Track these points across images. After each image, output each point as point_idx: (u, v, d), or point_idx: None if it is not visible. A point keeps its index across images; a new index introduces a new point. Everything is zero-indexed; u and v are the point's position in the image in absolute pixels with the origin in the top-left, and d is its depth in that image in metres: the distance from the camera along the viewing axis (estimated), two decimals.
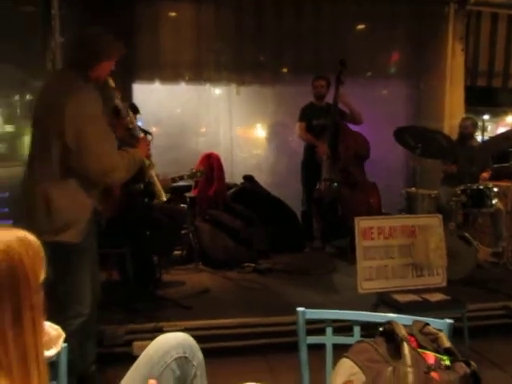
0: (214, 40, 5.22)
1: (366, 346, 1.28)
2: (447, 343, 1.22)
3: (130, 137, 2.49)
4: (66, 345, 1.18)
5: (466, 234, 4.06)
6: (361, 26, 5.78)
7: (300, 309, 1.48)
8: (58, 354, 1.17)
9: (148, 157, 2.51)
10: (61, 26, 4.24)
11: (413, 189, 4.65)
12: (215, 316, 3.19)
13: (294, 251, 4.89)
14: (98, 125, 2.11)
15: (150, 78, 5.16)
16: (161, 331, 2.90)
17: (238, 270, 4.29)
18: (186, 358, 1.37)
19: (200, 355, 1.43)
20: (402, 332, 1.20)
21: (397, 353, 1.19)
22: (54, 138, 2.09)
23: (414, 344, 1.22)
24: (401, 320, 1.40)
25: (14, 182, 3.38)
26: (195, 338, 2.94)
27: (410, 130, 4.31)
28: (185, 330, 2.95)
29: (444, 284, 3.10)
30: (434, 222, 3.16)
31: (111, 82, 2.33)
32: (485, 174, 4.77)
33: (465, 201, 4.24)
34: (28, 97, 4.06)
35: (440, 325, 1.41)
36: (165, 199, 2.58)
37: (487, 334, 3.34)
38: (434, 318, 2.83)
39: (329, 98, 4.82)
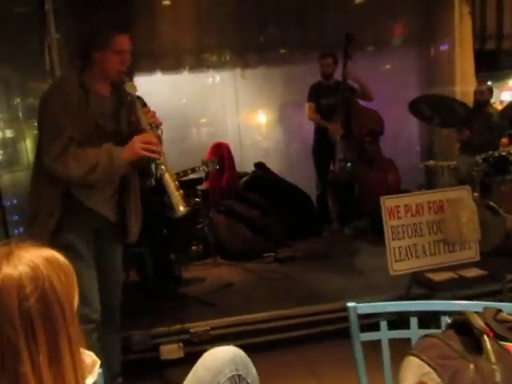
0: (214, 22, 5.02)
1: (434, 340, 1.14)
2: None
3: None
4: (101, 371, 1.05)
5: (492, 203, 3.90)
6: None
7: (351, 304, 1.34)
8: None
9: (156, 159, 2.09)
10: (56, 22, 4.08)
11: (431, 162, 4.48)
12: (241, 310, 3.07)
13: (311, 236, 4.74)
14: (50, 115, 2.05)
15: (151, 69, 4.98)
16: (188, 333, 2.79)
17: (257, 260, 4.15)
18: (239, 375, 1.23)
19: (253, 370, 1.29)
20: (479, 323, 1.05)
21: (475, 347, 1.05)
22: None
23: (491, 335, 1.07)
24: (468, 307, 1.26)
25: (19, 188, 3.25)
26: (224, 336, 2.87)
27: (424, 100, 4.14)
28: (212, 329, 2.86)
29: (477, 258, 2.97)
30: (463, 194, 3.00)
31: (126, 79, 2.16)
32: (504, 140, 4.59)
33: (487, 169, 4.08)
34: (28, 100, 3.91)
35: (510, 308, 1.26)
36: (183, 211, 2.05)
37: None
38: (473, 293, 2.72)
39: (337, 75, 4.63)
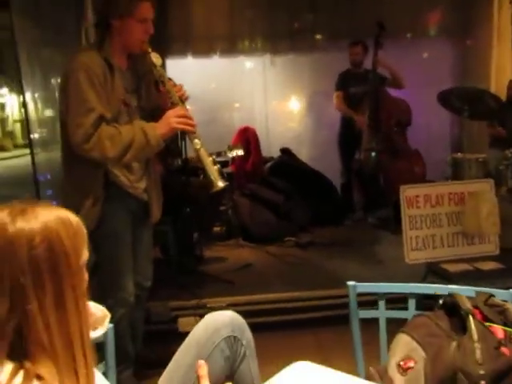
0: (246, 9, 5.06)
1: (424, 319, 1.20)
2: None
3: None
4: (112, 325, 1.15)
5: None
6: None
7: (351, 282, 1.40)
8: (105, 335, 1.14)
9: (191, 132, 2.01)
10: (93, 5, 4.20)
11: (459, 154, 4.43)
12: (259, 291, 3.16)
13: (334, 224, 4.77)
14: (75, 93, 1.89)
15: (182, 52, 5.07)
16: (205, 307, 2.91)
17: (278, 244, 4.23)
18: (235, 337, 1.32)
19: (249, 334, 1.38)
20: (467, 305, 1.11)
21: (461, 327, 1.10)
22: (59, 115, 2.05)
23: (480, 317, 1.12)
24: (461, 292, 1.31)
25: (53, 164, 3.40)
26: (239, 313, 2.96)
27: (455, 91, 4.10)
28: (228, 305, 2.96)
29: (497, 252, 2.97)
30: (485, 187, 3.00)
31: (147, 48, 2.02)
32: None
33: None
34: None
35: (504, 295, 1.30)
36: (221, 186, 2.00)
37: None
38: (488, 287, 2.72)
39: (367, 64, 4.61)
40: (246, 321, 3.01)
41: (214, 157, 2.08)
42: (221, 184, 2.00)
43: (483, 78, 5.36)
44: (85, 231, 0.88)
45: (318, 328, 2.98)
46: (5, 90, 20.82)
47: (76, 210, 2.02)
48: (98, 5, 2.16)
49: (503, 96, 4.78)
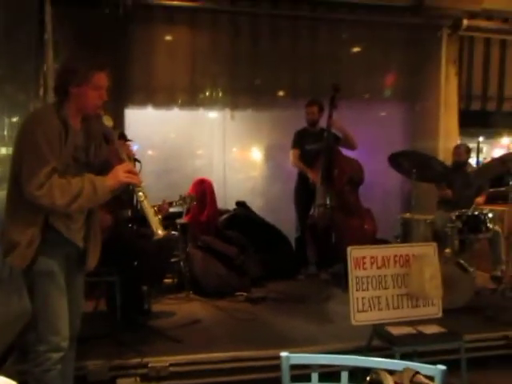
0: (208, 64, 5.21)
1: None
2: None
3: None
4: None
5: (462, 261, 3.98)
6: (356, 50, 5.80)
7: (284, 354, 1.40)
8: None
9: (136, 186, 2.25)
10: (54, 52, 4.24)
11: (408, 214, 4.59)
12: (206, 349, 3.08)
13: (287, 278, 4.81)
14: (32, 145, 2.06)
15: (143, 103, 5.12)
16: (146, 367, 2.80)
17: (229, 298, 4.19)
18: None
19: None
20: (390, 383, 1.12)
21: None
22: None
23: None
24: (392, 365, 1.32)
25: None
26: (183, 373, 2.87)
27: (404, 155, 4.29)
28: (170, 365, 2.86)
29: (439, 315, 3.02)
30: (429, 250, 3.08)
31: (102, 113, 2.26)
32: (479, 199, 4.72)
33: (460, 227, 4.18)
34: (16, 122, 4.00)
35: (432, 371, 1.32)
36: (160, 235, 2.23)
37: (486, 365, 3.24)
38: (429, 350, 2.76)
39: (323, 123, 4.78)
40: (191, 381, 2.93)
41: (156, 208, 2.41)
42: (160, 232, 2.23)
43: (432, 140, 5.66)
44: None
45: None
46: None
47: (12, 247, 2.10)
48: (56, 73, 2.42)
49: (449, 158, 5.06)
